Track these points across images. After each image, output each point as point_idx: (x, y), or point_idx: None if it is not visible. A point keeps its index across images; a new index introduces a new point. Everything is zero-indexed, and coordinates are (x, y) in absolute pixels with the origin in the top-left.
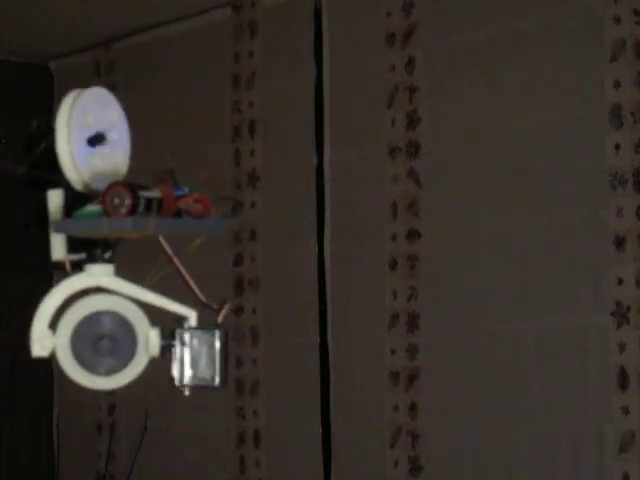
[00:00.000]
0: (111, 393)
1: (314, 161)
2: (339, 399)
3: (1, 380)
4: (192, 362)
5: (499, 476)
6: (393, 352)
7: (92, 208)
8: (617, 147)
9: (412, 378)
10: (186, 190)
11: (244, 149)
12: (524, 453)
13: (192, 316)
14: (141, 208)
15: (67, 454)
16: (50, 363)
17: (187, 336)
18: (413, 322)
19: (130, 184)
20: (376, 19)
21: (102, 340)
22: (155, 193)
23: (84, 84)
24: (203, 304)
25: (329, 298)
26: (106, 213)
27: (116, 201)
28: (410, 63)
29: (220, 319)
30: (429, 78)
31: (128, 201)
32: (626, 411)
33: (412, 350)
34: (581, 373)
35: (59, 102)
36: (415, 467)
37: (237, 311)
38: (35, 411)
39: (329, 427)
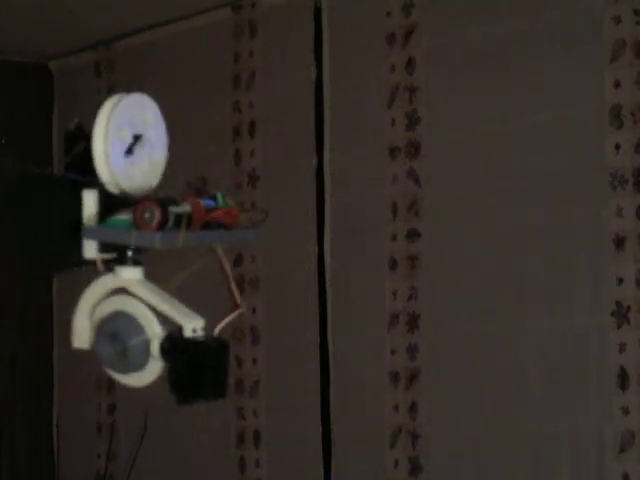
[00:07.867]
0: (111, 393)
1: (314, 161)
2: (339, 399)
3: (1, 380)
4: (174, 375)
5: (499, 476)
6: (393, 352)
7: (123, 217)
8: (617, 147)
9: (412, 378)
10: (218, 197)
11: (244, 149)
12: (524, 453)
13: (198, 325)
14: (171, 223)
15: (67, 454)
16: (50, 363)
17: (170, 346)
18: (413, 322)
19: (161, 200)
20: (376, 19)
21: (115, 340)
22: (185, 208)
23: (84, 84)
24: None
25: (329, 298)
26: (136, 225)
27: (146, 216)
28: (410, 63)
29: (217, 330)
30: (429, 78)
31: (158, 217)
32: (626, 411)
33: (412, 350)
34: (581, 373)
35: (59, 102)
36: (415, 467)
37: None
38: (35, 411)
39: (329, 427)
